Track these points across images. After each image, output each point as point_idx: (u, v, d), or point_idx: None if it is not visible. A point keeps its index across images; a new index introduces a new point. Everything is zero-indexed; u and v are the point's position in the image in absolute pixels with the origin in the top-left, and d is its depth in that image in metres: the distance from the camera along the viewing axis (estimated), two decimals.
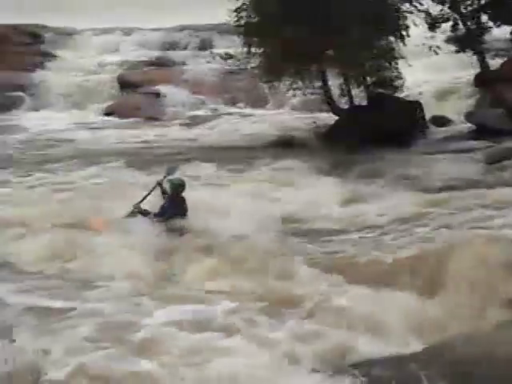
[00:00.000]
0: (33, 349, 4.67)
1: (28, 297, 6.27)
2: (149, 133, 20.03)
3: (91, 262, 7.44)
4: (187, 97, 24.74)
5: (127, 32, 30.26)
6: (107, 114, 24.24)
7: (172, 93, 24.80)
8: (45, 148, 17.21)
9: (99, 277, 7.00)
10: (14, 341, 3.96)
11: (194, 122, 21.98)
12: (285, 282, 6.58)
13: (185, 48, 29.05)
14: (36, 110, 24.75)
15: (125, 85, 26.06)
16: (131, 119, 22.92)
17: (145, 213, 8.22)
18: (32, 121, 22.37)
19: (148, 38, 29.60)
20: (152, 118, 23.13)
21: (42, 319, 5.58)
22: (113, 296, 6.27)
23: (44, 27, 30.12)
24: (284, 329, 5.33)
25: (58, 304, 6.04)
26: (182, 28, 30.04)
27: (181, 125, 21.65)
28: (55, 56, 28.32)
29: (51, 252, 7.72)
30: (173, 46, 29.09)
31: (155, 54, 28.28)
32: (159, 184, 8.41)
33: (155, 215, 8.08)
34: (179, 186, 8.12)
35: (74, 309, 5.88)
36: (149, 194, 8.43)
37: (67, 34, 30.18)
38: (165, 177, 8.48)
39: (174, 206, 7.99)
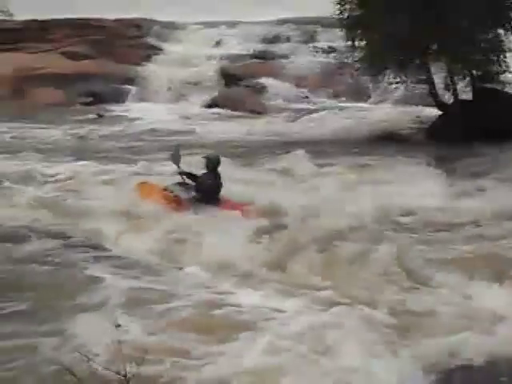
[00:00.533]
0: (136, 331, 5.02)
1: (131, 280, 6.52)
2: (253, 124, 20.57)
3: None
4: (289, 90, 25.25)
5: (231, 25, 30.99)
6: (210, 106, 25.11)
7: (274, 86, 25.39)
8: (160, 139, 17.92)
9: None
10: (120, 325, 3.91)
11: (296, 115, 22.34)
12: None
13: (287, 41, 29.47)
14: (143, 101, 25.90)
15: (228, 78, 26.87)
16: (234, 112, 23.58)
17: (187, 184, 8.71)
18: (141, 112, 23.36)
19: (251, 32, 30.16)
20: (254, 111, 23.74)
21: (144, 302, 5.84)
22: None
23: (151, 21, 31.34)
24: None
25: (159, 287, 6.29)
26: (285, 21, 30.49)
27: (284, 118, 22.10)
28: (161, 49, 29.38)
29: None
30: (275, 39, 29.58)
31: (258, 47, 28.87)
32: (180, 173, 8.83)
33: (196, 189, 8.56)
34: (216, 162, 8.67)
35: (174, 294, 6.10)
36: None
37: (172, 28, 31.18)
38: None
39: (211, 180, 8.53)
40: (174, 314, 5.67)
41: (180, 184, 8.90)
